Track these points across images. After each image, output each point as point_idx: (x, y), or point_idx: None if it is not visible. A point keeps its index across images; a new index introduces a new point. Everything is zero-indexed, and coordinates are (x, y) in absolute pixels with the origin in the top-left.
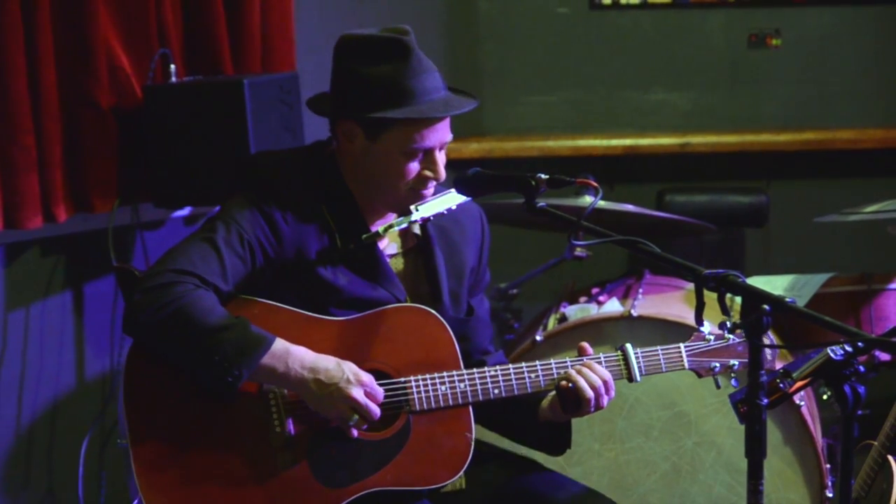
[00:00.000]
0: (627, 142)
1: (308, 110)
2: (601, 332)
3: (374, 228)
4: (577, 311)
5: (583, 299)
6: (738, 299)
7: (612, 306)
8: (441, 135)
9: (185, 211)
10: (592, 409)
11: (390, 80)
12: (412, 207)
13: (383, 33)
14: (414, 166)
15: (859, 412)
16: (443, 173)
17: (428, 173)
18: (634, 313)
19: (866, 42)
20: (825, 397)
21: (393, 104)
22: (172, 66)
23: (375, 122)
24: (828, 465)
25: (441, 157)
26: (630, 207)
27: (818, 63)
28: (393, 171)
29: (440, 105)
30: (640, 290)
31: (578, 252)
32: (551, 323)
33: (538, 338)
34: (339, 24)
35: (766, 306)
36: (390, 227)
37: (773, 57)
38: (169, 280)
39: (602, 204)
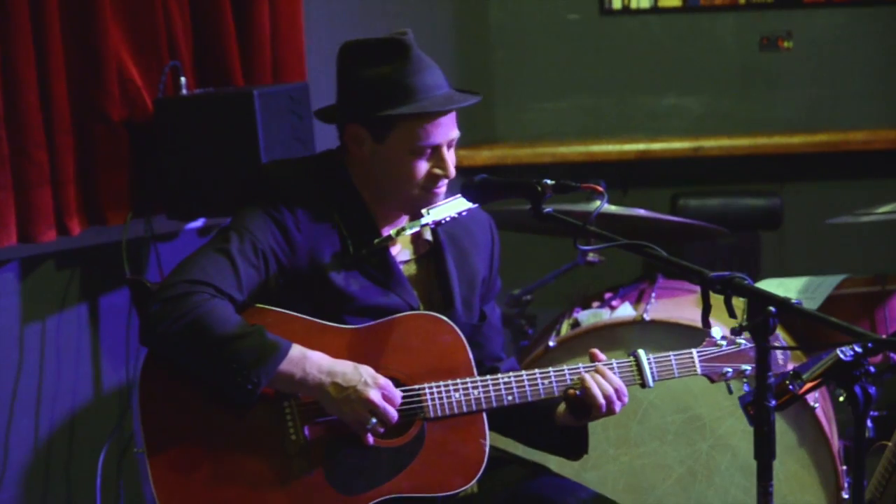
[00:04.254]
0: (640, 146)
1: (318, 122)
2: (614, 336)
3: (385, 233)
4: (589, 317)
5: (595, 304)
6: None
7: (625, 311)
8: (446, 131)
9: (199, 222)
10: (604, 414)
11: (391, 79)
12: (423, 211)
13: (382, 36)
14: (423, 165)
15: (875, 413)
16: (452, 170)
17: (438, 171)
18: (647, 317)
19: (878, 43)
20: (841, 399)
21: (396, 103)
22: (183, 79)
23: (381, 123)
24: (844, 467)
25: (450, 155)
26: (643, 212)
27: (830, 65)
28: (403, 171)
29: (442, 100)
30: (653, 295)
31: (591, 257)
32: (564, 328)
33: (551, 343)
34: (349, 34)
35: (771, 308)
36: (402, 230)
37: (784, 59)
38: (185, 291)
39: (615, 209)
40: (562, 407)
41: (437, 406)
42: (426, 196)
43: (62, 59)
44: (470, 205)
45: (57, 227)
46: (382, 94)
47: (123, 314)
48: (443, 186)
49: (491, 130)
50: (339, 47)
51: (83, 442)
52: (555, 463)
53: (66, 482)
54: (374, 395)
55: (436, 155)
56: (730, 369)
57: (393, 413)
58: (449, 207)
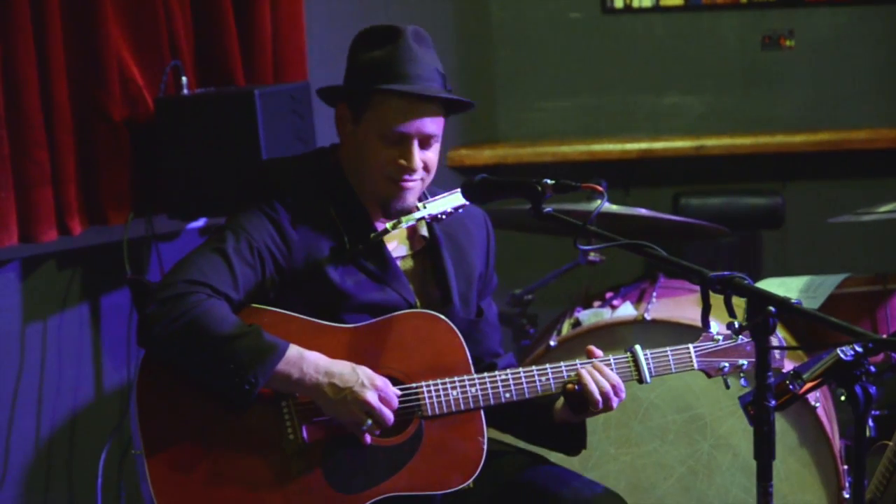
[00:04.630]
0: (642, 146)
1: (319, 121)
2: (614, 336)
3: (380, 228)
4: (590, 316)
5: (597, 304)
6: None
7: (626, 310)
8: (421, 124)
9: (200, 222)
10: (601, 410)
11: (380, 61)
12: (419, 204)
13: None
14: (388, 153)
15: (877, 412)
16: (416, 164)
17: (402, 162)
18: (648, 317)
19: (880, 42)
20: (842, 398)
21: (377, 81)
22: (184, 78)
23: (359, 99)
24: (845, 467)
25: (422, 153)
26: (644, 212)
27: (832, 63)
28: (370, 155)
29: (420, 88)
30: (654, 294)
31: (592, 257)
32: (565, 328)
33: (552, 343)
34: (351, 33)
35: (771, 308)
36: (398, 223)
37: (786, 58)
38: (181, 291)
39: (617, 208)
40: (559, 403)
41: (435, 404)
42: (392, 188)
43: (63, 58)
44: (465, 201)
45: (58, 227)
46: (367, 73)
47: (124, 314)
48: (410, 182)
49: (492, 130)
50: (346, 48)
51: (84, 442)
52: (555, 461)
53: (67, 482)
54: (371, 397)
55: (404, 145)
56: (726, 364)
57: (389, 415)
58: (445, 202)
